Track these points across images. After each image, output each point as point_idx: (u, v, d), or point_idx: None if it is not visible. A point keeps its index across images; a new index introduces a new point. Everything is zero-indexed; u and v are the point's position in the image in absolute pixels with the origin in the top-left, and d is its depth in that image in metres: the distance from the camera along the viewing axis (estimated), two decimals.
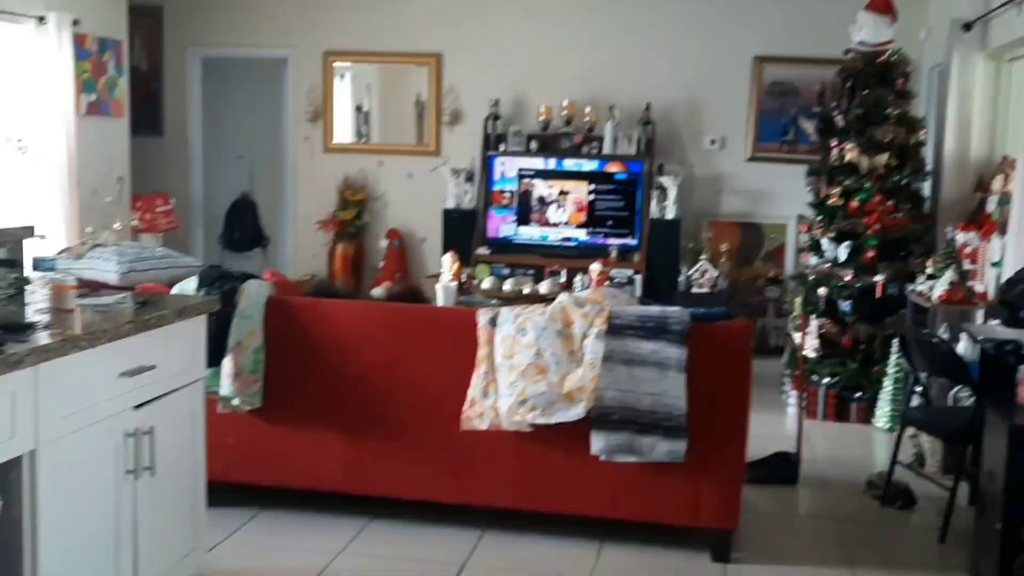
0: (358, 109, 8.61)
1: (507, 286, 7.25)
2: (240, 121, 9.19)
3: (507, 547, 3.98)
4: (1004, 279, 4.87)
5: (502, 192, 8.01)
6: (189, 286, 4.04)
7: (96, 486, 2.79)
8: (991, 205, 5.58)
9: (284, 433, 4.10)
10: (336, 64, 8.53)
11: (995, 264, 5.30)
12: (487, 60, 8.24)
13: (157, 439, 3.01)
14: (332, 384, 4.05)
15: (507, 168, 7.98)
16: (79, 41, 7.01)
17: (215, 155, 9.02)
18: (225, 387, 3.98)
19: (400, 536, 4.05)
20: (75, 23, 6.87)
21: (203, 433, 3.37)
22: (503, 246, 7.98)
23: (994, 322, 4.60)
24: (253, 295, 4.04)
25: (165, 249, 4.60)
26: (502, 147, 8.04)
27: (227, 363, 3.97)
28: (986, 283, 5.41)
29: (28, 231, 3.81)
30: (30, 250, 3.85)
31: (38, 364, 2.49)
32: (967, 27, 6.07)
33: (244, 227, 9.12)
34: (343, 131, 8.63)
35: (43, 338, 2.59)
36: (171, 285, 4.11)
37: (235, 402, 4.01)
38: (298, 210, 8.70)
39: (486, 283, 7.36)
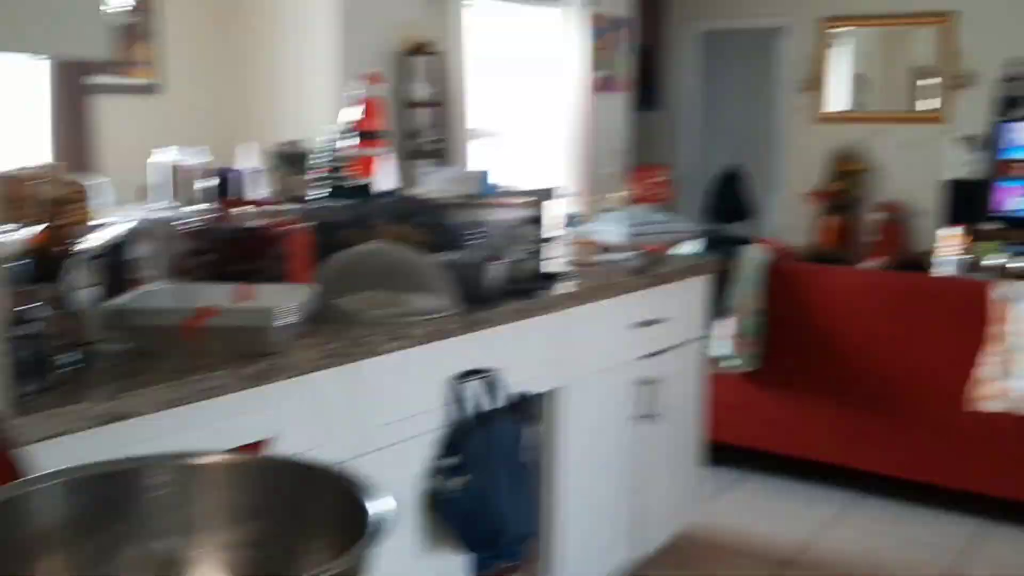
0: (855, 76, 8.30)
1: (1015, 264, 6.60)
2: (732, 93, 9.29)
3: (1011, 543, 3.68)
4: None
5: (1013, 162, 7.30)
6: (690, 248, 4.19)
7: (608, 427, 3.02)
8: None
9: (776, 398, 4.12)
10: (831, 31, 8.28)
11: None
12: (1004, 17, 7.51)
13: (661, 390, 3.19)
14: (828, 352, 4.00)
15: (1021, 136, 7.25)
16: (595, 21, 7.49)
17: (707, 127, 9.22)
18: (723, 348, 4.07)
19: (890, 515, 3.91)
20: (595, 2, 7.35)
21: (702, 390, 3.50)
22: (1012, 221, 7.28)
23: None
24: (753, 259, 4.10)
25: (664, 214, 4.79)
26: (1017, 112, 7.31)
27: (726, 324, 4.06)
28: None
29: (547, 193, 4.17)
30: (548, 211, 4.22)
31: (568, 308, 2.75)
32: None
33: (731, 199, 9.22)
34: (837, 100, 8.38)
35: (571, 287, 2.85)
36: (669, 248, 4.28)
37: (734, 363, 4.08)
38: (786, 182, 8.62)
39: (990, 260, 6.76)
